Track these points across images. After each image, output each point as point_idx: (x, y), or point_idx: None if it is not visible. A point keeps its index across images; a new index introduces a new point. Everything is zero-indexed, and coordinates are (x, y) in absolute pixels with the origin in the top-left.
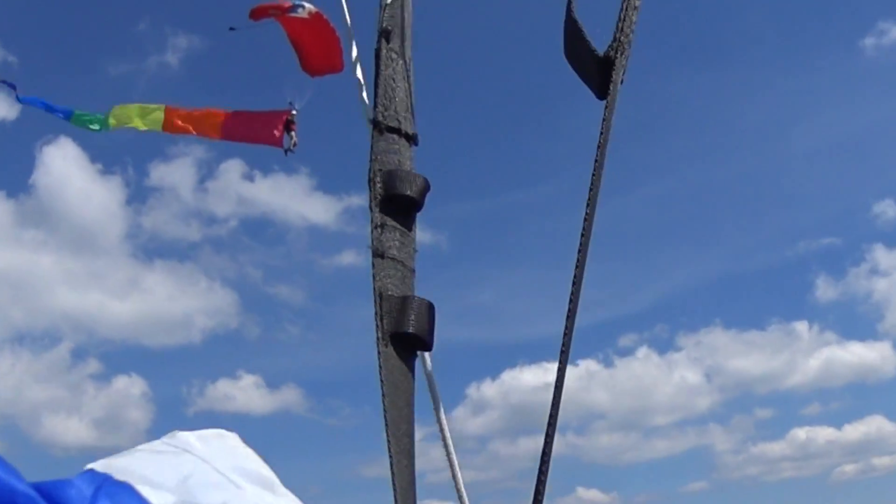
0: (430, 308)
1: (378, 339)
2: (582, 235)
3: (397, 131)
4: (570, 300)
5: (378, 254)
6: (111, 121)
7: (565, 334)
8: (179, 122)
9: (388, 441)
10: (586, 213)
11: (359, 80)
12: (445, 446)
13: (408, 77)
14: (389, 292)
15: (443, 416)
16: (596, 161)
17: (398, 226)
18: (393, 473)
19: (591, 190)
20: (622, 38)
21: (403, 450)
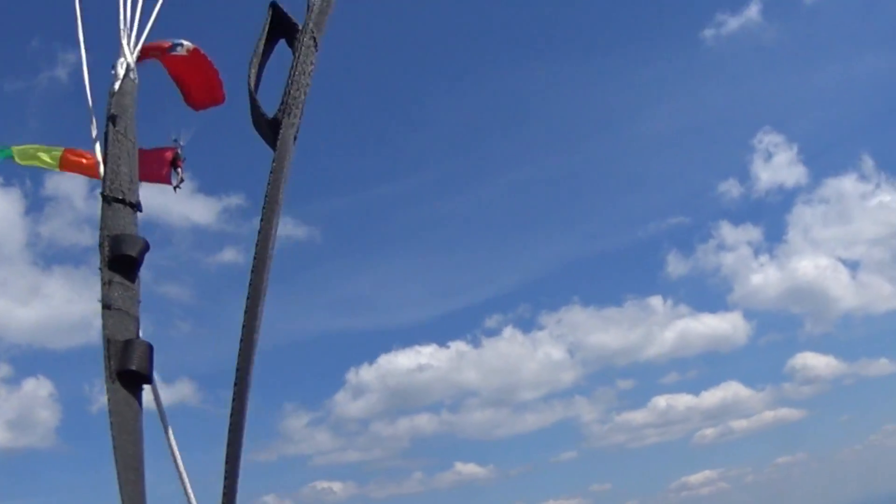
0: (150, 348)
1: (106, 377)
2: (253, 272)
3: (122, 202)
4: (244, 328)
5: (106, 306)
6: (14, 155)
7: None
8: (75, 161)
9: (117, 462)
10: (257, 251)
11: (97, 158)
12: (176, 465)
13: (130, 154)
14: (116, 337)
15: (171, 437)
16: (265, 207)
17: (124, 281)
18: (122, 494)
19: (261, 232)
20: (289, 101)
21: (131, 467)
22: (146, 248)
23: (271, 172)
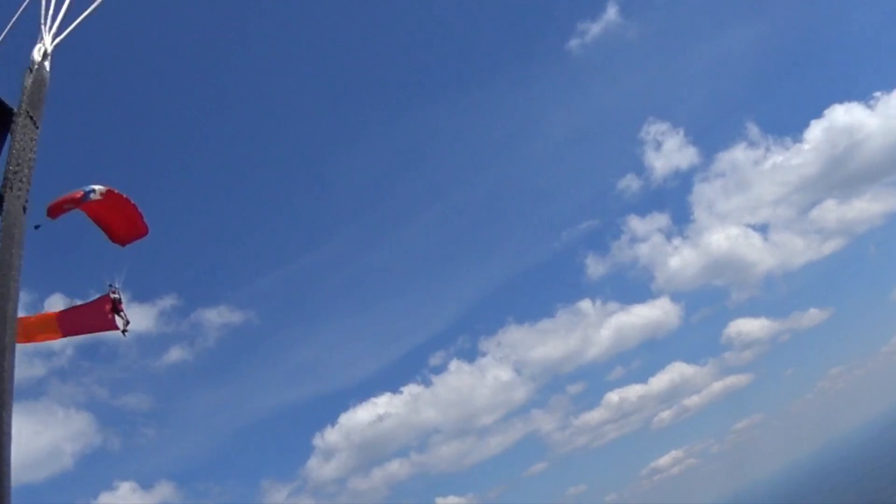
0: None
1: None
2: None
3: None
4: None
5: None
6: None
7: None
8: (25, 336)
9: None
10: None
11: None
12: None
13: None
14: None
15: None
16: None
17: None
18: None
19: None
20: (11, 176)
21: None
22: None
23: (0, 241)
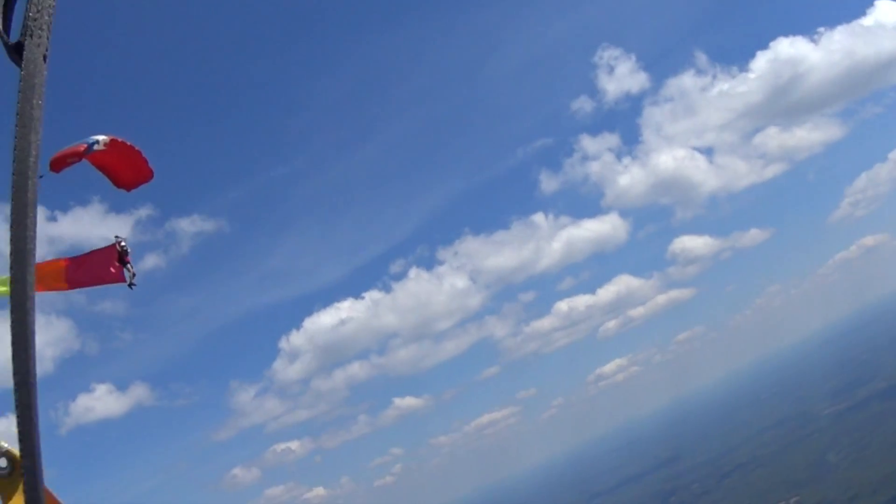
0: None
1: None
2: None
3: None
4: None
5: None
6: None
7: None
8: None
9: None
10: (16, 169)
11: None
12: None
13: None
14: None
15: None
16: (18, 125)
17: None
18: None
19: (16, 149)
20: (30, 23)
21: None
22: None
23: (20, 91)
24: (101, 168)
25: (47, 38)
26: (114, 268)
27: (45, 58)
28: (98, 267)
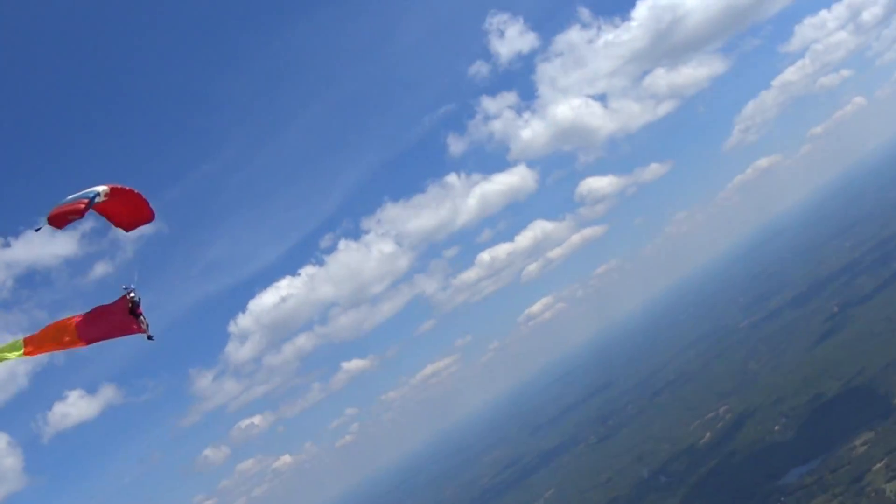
0: None
1: None
2: None
3: None
4: None
5: None
6: None
7: None
8: (40, 345)
9: None
10: None
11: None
12: None
13: None
14: None
15: None
16: None
17: None
18: None
19: None
20: None
21: None
22: None
23: None
24: (103, 213)
25: None
26: (129, 320)
27: None
28: (112, 320)
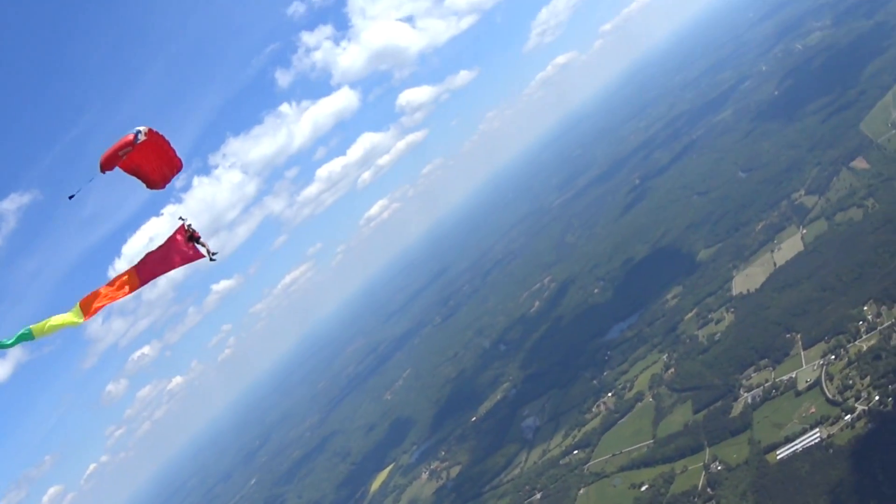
0: None
1: None
2: None
3: None
4: None
5: None
6: (34, 333)
7: None
8: (96, 303)
9: None
10: None
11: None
12: None
13: None
14: None
15: None
16: None
17: None
18: None
19: None
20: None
21: None
22: None
23: None
24: (134, 170)
25: None
26: (188, 248)
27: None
28: (173, 252)
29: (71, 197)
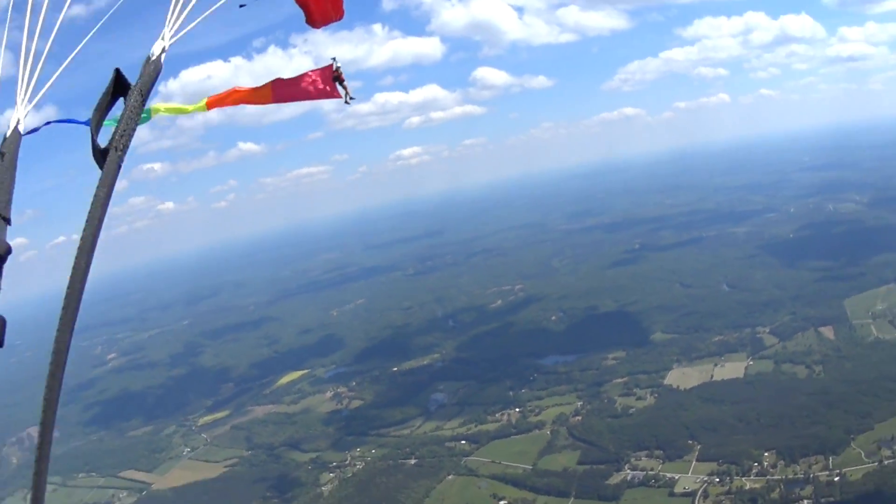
0: (3, 322)
1: None
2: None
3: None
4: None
5: None
6: (161, 110)
7: None
8: (227, 99)
9: None
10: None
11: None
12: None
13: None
14: None
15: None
16: (90, 214)
17: None
18: None
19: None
20: (118, 137)
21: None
22: (9, 251)
23: (98, 185)
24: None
25: (124, 153)
26: (329, 85)
27: (119, 167)
28: (309, 83)
29: (241, 6)
